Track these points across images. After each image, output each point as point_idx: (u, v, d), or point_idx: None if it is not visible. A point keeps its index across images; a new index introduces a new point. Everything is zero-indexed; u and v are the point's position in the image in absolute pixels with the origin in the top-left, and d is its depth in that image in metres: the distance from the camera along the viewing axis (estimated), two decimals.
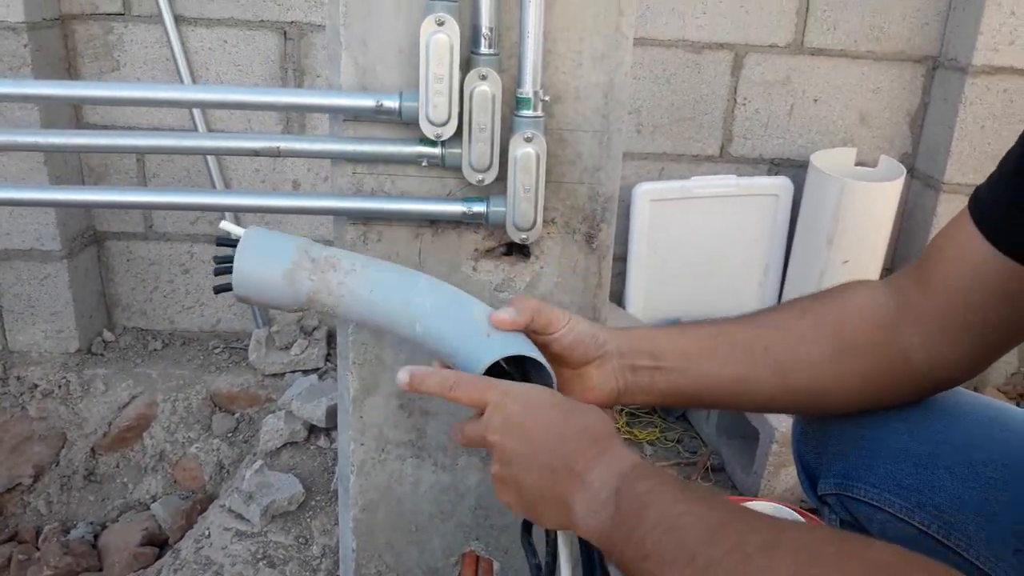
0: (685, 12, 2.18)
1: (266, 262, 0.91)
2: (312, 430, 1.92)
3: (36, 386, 2.26)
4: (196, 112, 2.15)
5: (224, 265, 0.94)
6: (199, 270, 2.36)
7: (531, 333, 0.87)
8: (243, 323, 2.41)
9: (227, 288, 0.94)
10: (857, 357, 0.88)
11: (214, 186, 2.24)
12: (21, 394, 2.26)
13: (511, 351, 0.83)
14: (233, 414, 2.20)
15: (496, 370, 0.84)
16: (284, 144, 1.16)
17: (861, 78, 2.27)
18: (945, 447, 0.87)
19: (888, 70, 2.27)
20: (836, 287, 0.93)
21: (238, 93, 1.30)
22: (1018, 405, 2.36)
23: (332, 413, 1.87)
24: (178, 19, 2.11)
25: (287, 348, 2.26)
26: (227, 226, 0.95)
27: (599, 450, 0.72)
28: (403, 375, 0.83)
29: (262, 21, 2.12)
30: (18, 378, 2.27)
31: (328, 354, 2.30)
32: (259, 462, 1.73)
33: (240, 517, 1.61)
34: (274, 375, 2.23)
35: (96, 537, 2.03)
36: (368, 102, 1.13)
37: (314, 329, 2.35)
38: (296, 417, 1.90)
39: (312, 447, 1.89)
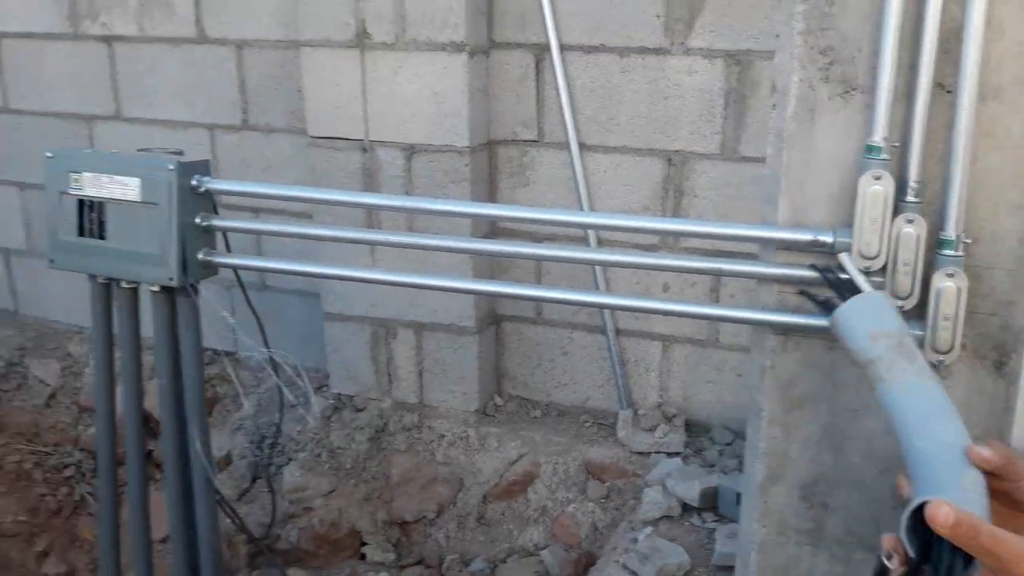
0: None
1: (870, 317, 1.13)
2: (685, 508, 2.16)
3: (443, 436, 2.75)
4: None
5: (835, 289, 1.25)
6: (576, 353, 2.74)
7: (995, 476, 0.89)
8: (609, 403, 2.73)
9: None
10: None
11: (596, 282, 2.61)
12: (431, 441, 2.76)
13: (971, 504, 0.85)
14: (604, 483, 2.50)
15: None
16: (724, 265, 1.43)
17: None
18: None
19: None
20: None
21: (675, 223, 1.62)
22: None
23: (705, 495, 2.10)
24: (582, 146, 2.54)
25: (652, 430, 2.53)
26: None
27: None
28: (946, 511, 0.81)
29: (651, 149, 2.48)
30: (430, 428, 2.78)
31: (687, 441, 2.53)
32: (649, 528, 1.99)
33: (634, 574, 1.88)
34: (640, 453, 2.50)
35: (492, 572, 2.41)
36: (805, 236, 1.36)
37: (673, 416, 2.60)
38: (671, 494, 2.15)
39: (687, 523, 2.12)
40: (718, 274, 1.43)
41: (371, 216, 2.62)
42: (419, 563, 2.65)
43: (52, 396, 3.40)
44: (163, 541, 2.42)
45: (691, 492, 2.12)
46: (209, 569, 2.11)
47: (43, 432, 3.39)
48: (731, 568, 1.97)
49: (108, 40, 3.01)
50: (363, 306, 2.77)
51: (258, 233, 2.58)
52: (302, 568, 2.79)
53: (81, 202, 1.76)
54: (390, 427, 2.83)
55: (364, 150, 2.56)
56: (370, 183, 2.60)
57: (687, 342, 2.61)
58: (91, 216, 1.75)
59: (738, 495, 2.16)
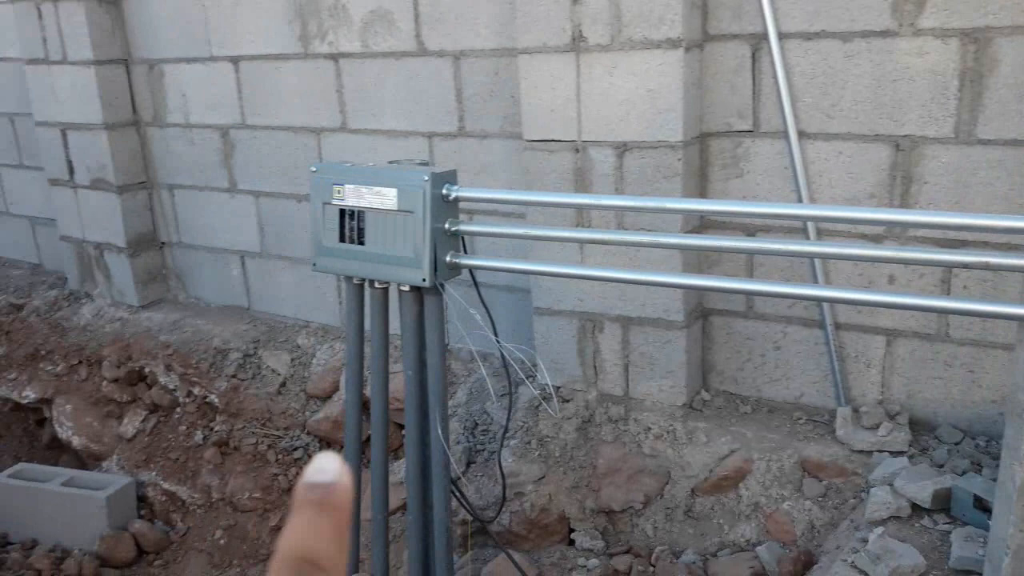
0: None
1: None
2: (914, 508, 2.08)
3: (649, 429, 2.78)
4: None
5: None
6: (790, 348, 2.69)
7: None
8: (824, 399, 2.66)
9: None
10: None
11: (815, 274, 2.55)
12: (638, 434, 2.80)
13: None
14: (821, 481, 2.44)
15: None
16: (993, 259, 1.38)
17: None
18: None
19: None
20: None
21: (932, 215, 1.55)
22: None
23: (938, 496, 2.01)
24: (800, 134, 2.49)
25: (874, 428, 2.44)
26: None
27: None
28: None
29: (877, 135, 2.39)
30: (635, 420, 2.82)
31: (912, 440, 2.43)
32: (880, 528, 1.94)
33: (864, 574, 1.84)
34: (860, 452, 2.42)
35: (704, 565, 2.42)
36: None
37: (897, 414, 2.50)
38: (900, 494, 2.08)
39: (916, 525, 2.04)
40: (985, 268, 1.38)
41: (580, 214, 2.69)
42: (628, 552, 2.70)
43: (283, 384, 3.73)
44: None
45: (923, 493, 2.04)
46: (442, 544, 2.26)
47: (275, 417, 3.74)
48: (970, 572, 1.88)
49: (335, 57, 3.27)
50: (571, 301, 2.86)
51: (501, 236, 2.73)
52: (514, 550, 2.91)
53: (342, 211, 1.94)
54: (596, 418, 2.90)
55: (576, 150, 2.64)
56: (580, 182, 2.68)
57: (913, 336, 2.50)
58: (351, 224, 1.93)
59: (975, 497, 2.05)
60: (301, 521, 0.42)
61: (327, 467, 0.43)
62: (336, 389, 3.57)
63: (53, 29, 3.87)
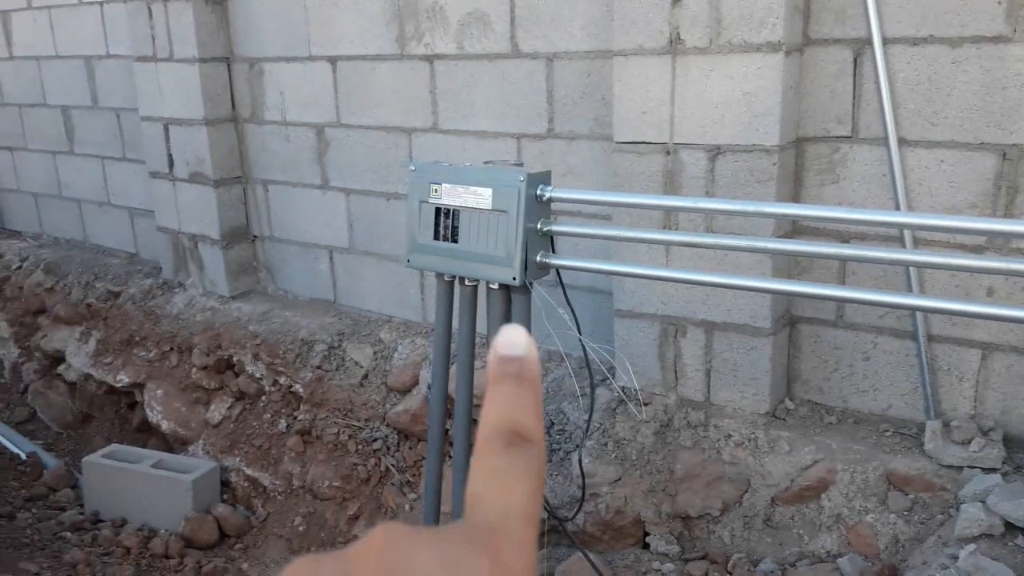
0: None
1: None
2: (1008, 528, 2.01)
3: (730, 436, 2.76)
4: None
5: None
6: (879, 359, 2.63)
7: None
8: (913, 412, 2.60)
9: None
10: None
11: (909, 284, 2.50)
12: (717, 440, 2.78)
13: None
14: (907, 495, 2.39)
15: None
16: None
17: None
18: None
19: None
20: None
21: None
22: None
23: None
24: (901, 141, 2.44)
25: (965, 443, 2.38)
26: None
27: None
28: None
29: (982, 143, 2.34)
30: (716, 427, 2.81)
31: (1006, 457, 2.35)
32: (972, 545, 1.89)
33: None
34: (949, 467, 2.36)
35: (783, 574, 2.39)
36: None
37: (990, 430, 2.42)
38: (993, 512, 2.02)
39: (1010, 544, 1.98)
40: None
41: (667, 217, 2.70)
42: (704, 558, 2.68)
43: (365, 377, 3.83)
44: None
45: (1019, 511, 1.98)
46: None
47: (356, 408, 3.83)
48: None
49: (430, 59, 3.35)
50: (654, 304, 2.86)
51: (591, 237, 2.76)
52: (589, 551, 2.92)
53: (438, 209, 1.99)
54: (675, 423, 2.89)
55: (667, 153, 2.65)
56: (670, 185, 2.68)
57: (1011, 351, 2.42)
58: (446, 222, 1.98)
59: None
60: (503, 394, 0.41)
61: (518, 340, 0.42)
62: (416, 383, 3.64)
63: (162, 28, 4.07)
